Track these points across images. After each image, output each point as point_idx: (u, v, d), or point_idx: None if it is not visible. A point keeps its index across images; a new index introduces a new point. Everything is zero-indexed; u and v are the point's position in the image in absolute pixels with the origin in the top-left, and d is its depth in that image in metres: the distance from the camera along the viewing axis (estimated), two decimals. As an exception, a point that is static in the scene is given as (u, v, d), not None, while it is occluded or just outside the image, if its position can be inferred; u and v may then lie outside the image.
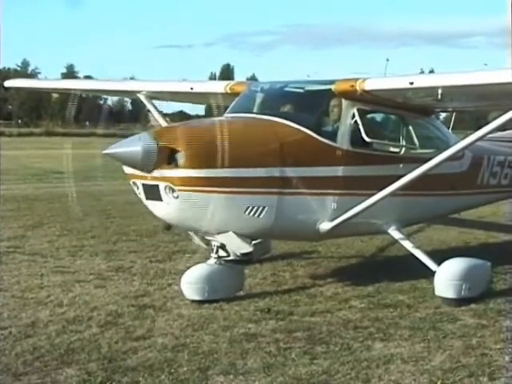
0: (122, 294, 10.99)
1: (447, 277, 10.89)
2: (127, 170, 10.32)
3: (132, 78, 15.38)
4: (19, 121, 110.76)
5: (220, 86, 13.67)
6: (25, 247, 14.82)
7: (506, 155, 14.88)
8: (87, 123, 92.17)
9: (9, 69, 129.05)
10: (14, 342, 8.64)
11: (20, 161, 41.16)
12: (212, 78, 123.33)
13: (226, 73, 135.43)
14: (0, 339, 8.76)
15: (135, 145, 9.92)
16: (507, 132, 14.98)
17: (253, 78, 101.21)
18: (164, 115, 15.17)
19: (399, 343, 8.88)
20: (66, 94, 20.30)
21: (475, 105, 14.16)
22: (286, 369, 7.91)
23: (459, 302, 10.69)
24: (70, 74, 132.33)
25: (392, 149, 12.22)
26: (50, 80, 34.85)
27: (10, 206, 21.33)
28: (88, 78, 78.82)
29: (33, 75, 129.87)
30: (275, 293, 11.26)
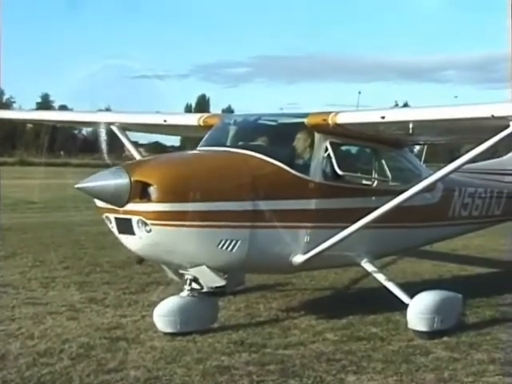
0: (94, 326, 10.90)
1: (420, 310, 10.94)
2: (99, 203, 10.32)
3: (108, 109, 15.34)
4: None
5: (193, 119, 13.67)
6: (-4, 278, 14.70)
7: (477, 187, 15.03)
8: (62, 153, 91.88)
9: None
10: (-17, 375, 8.56)
11: (-7, 191, 40.83)
12: (188, 108, 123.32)
13: (202, 104, 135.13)
14: (-31, 373, 8.69)
15: (108, 179, 9.95)
16: (476, 164, 15.07)
17: (229, 110, 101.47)
18: (139, 146, 15.15)
19: (372, 376, 8.88)
20: (40, 125, 20.28)
21: (446, 138, 14.30)
22: (259, 402, 7.90)
23: (432, 334, 10.73)
24: (45, 103, 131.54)
25: (364, 181, 12.32)
26: (24, 111, 34.74)
27: (-18, 237, 21.14)
28: (63, 107, 78.61)
29: (7, 104, 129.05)
30: (249, 325, 11.24)
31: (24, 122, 36.62)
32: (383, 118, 11.01)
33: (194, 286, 10.79)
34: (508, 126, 10.35)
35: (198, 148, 11.89)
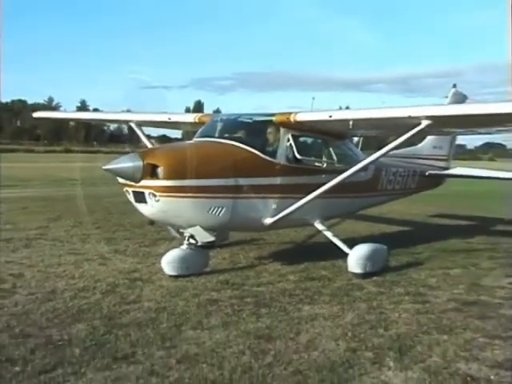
0: (118, 270, 10.83)
1: (356, 257, 10.97)
2: (121, 180, 10.23)
3: (128, 111, 15.18)
4: (45, 141, 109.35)
5: (191, 117, 13.68)
6: (48, 234, 14.57)
7: (398, 167, 15.12)
8: (95, 143, 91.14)
9: (38, 103, 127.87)
10: (39, 304, 8.56)
11: (45, 171, 40.54)
12: (187, 110, 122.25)
13: (198, 107, 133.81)
14: (30, 302, 8.71)
15: (127, 162, 9.90)
16: (397, 151, 15.01)
17: (217, 111, 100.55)
18: (150, 137, 14.98)
19: (322, 306, 8.90)
20: (79, 122, 20.03)
21: (376, 132, 14.27)
22: (239, 325, 7.88)
23: (365, 275, 10.76)
24: (83, 107, 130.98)
25: (317, 163, 12.27)
26: (67, 112, 34.51)
27: (37, 204, 21.09)
28: (96, 110, 77.97)
29: (56, 108, 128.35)
30: (232, 269, 11.20)
31: (68, 120, 36.27)
32: (331, 116, 10.98)
33: (191, 241, 10.73)
34: (420, 124, 10.39)
35: (194, 139, 11.78)
